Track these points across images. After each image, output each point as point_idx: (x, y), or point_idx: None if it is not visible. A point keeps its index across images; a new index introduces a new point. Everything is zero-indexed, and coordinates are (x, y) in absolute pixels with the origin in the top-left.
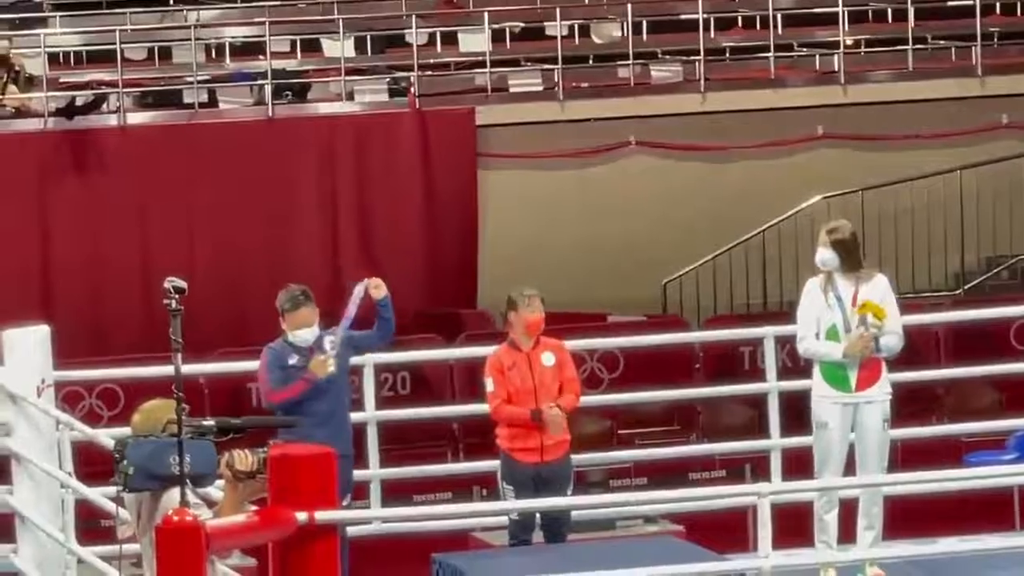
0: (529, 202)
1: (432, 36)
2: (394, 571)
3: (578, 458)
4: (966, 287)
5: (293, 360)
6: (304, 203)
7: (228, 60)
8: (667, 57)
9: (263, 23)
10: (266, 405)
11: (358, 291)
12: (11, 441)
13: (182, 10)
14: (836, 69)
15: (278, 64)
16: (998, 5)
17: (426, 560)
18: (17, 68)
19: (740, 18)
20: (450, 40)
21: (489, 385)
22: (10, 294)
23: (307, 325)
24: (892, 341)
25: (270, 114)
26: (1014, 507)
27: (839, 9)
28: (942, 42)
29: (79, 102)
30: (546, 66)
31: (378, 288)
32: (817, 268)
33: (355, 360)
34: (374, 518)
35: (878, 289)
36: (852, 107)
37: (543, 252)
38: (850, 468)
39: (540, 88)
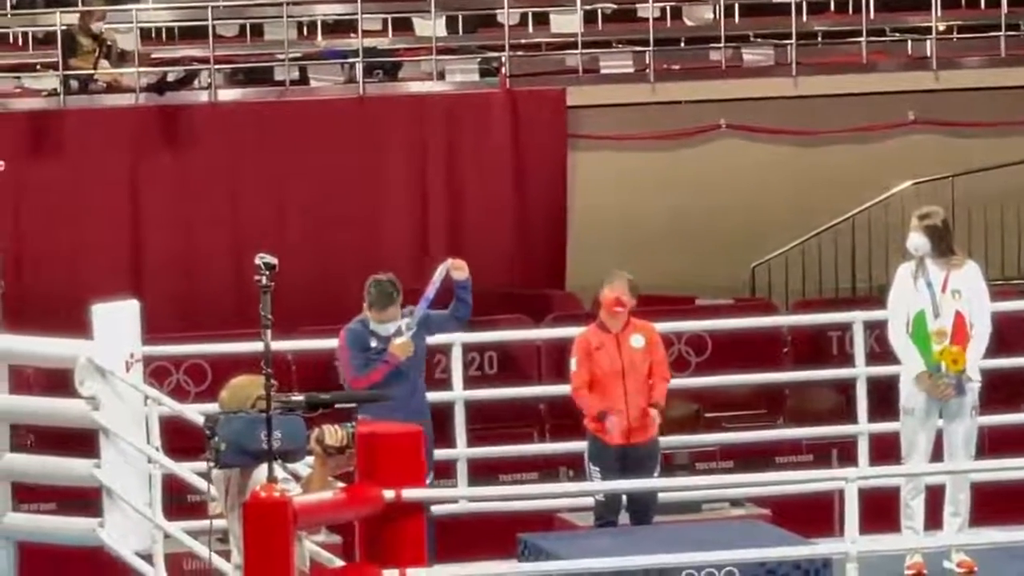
0: (618, 184)
1: (524, 16)
2: (480, 550)
3: (665, 440)
4: None
5: (374, 343)
6: (394, 182)
7: (320, 38)
8: (759, 40)
9: (355, 1)
10: (348, 389)
11: (440, 271)
12: (99, 415)
13: None
14: (928, 55)
15: (369, 43)
16: None
17: (512, 540)
18: (109, 43)
19: (832, 2)
20: (542, 20)
21: (573, 365)
22: (100, 268)
23: (392, 320)
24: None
25: (361, 92)
26: None
27: None
28: None
29: (170, 78)
30: (637, 48)
31: (460, 269)
32: (908, 253)
33: (443, 339)
34: (460, 496)
35: (969, 276)
36: (943, 93)
37: (632, 234)
38: (937, 454)
39: (631, 70)
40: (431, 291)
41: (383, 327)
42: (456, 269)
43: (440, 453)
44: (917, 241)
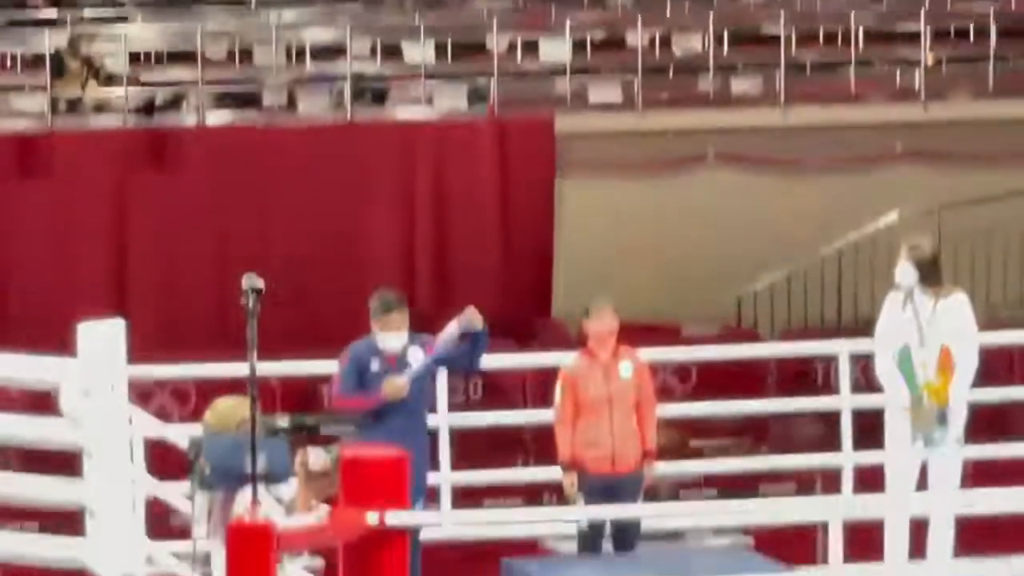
0: (606, 212)
1: (512, 44)
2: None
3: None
4: None
5: (375, 367)
6: (380, 207)
7: (308, 63)
8: (747, 70)
9: (344, 27)
10: (330, 405)
11: (452, 329)
12: (82, 435)
13: (264, 10)
14: (916, 87)
15: (358, 68)
16: None
17: (495, 566)
18: (98, 65)
19: (822, 33)
20: (531, 48)
21: (557, 396)
22: (85, 287)
23: (396, 331)
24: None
25: (348, 118)
26: None
27: (921, 26)
28: None
29: (158, 100)
30: (626, 76)
31: (473, 320)
32: (896, 284)
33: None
34: (445, 522)
35: (956, 308)
36: (932, 125)
37: (619, 262)
38: (922, 485)
39: (619, 99)
40: (441, 348)
41: (388, 340)
42: (472, 322)
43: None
44: (906, 272)
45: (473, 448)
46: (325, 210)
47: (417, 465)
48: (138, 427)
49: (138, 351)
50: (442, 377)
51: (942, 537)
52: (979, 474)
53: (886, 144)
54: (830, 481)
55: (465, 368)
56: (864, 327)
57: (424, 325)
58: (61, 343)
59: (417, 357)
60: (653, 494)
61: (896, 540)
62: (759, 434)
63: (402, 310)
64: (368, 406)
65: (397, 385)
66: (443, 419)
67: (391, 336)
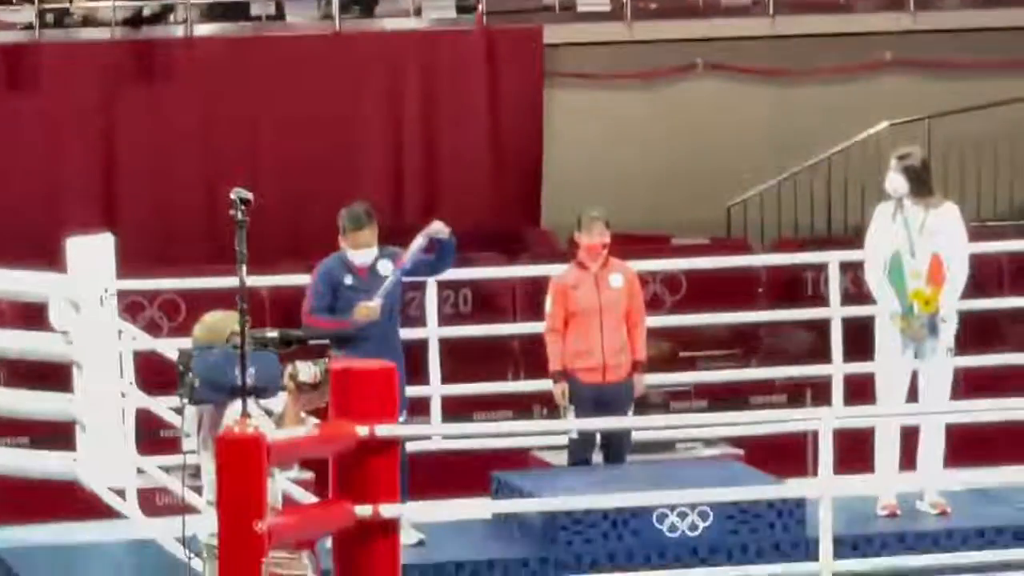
0: (594, 123)
1: None
2: (454, 488)
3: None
4: None
5: (348, 281)
6: (369, 118)
7: None
8: None
9: None
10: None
11: (419, 241)
12: (73, 350)
13: None
14: None
15: None
16: None
17: (486, 478)
18: None
19: None
20: None
21: (548, 306)
22: (75, 202)
23: (367, 246)
24: (951, 301)
25: (337, 28)
26: None
27: None
28: None
29: (146, 12)
30: None
31: (442, 232)
32: (886, 194)
33: (418, 279)
34: (434, 434)
35: (946, 217)
36: (921, 33)
37: (608, 173)
38: (913, 395)
39: (608, 8)
40: (408, 262)
41: (358, 256)
42: (437, 232)
43: (414, 391)
44: (896, 181)
45: (463, 360)
46: (313, 121)
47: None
48: (127, 340)
49: (127, 265)
50: (431, 290)
51: (932, 446)
52: (969, 383)
53: (876, 53)
54: (820, 391)
55: (429, 275)
56: (854, 237)
57: (414, 237)
58: (50, 258)
59: (387, 268)
60: (643, 405)
61: (886, 450)
62: (749, 344)
63: (372, 225)
64: (332, 328)
65: (370, 308)
66: (432, 331)
67: (362, 252)
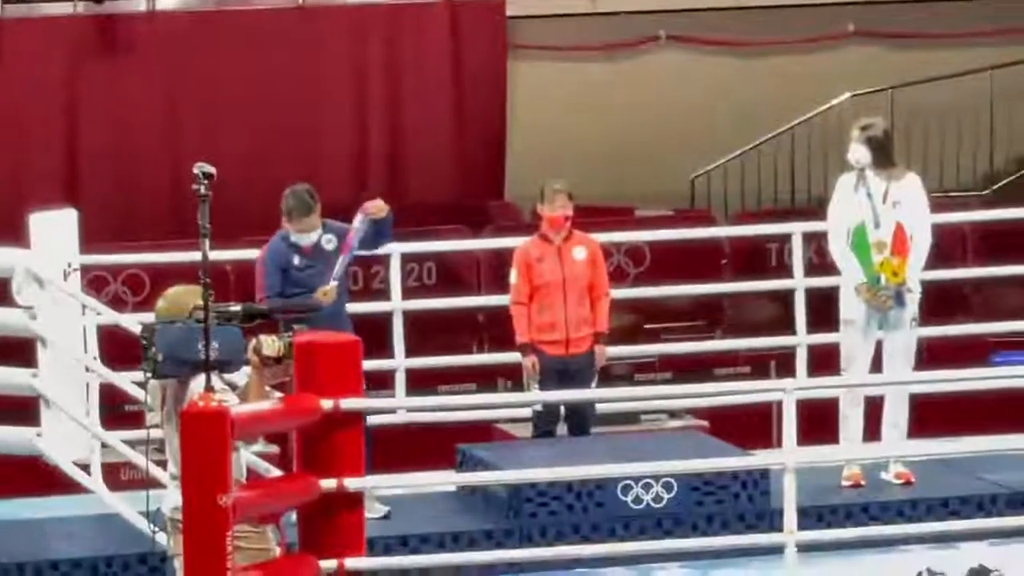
0: (558, 95)
1: None
2: (418, 461)
3: None
4: (995, 187)
5: (296, 261)
6: (332, 91)
7: None
8: None
9: None
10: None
11: (359, 224)
12: (37, 324)
13: None
14: None
15: None
16: None
17: (451, 451)
18: None
19: None
20: None
21: (512, 277)
22: (38, 178)
23: (314, 228)
24: (916, 271)
25: (300, 1)
26: None
27: None
28: None
29: None
30: None
31: (380, 211)
32: (848, 165)
33: (381, 250)
34: (399, 407)
35: (909, 187)
36: (883, 4)
37: (571, 145)
38: (876, 366)
39: None
40: (355, 242)
41: (303, 237)
42: (376, 212)
43: (378, 364)
44: (859, 152)
45: (427, 333)
46: (277, 94)
47: None
48: (91, 315)
49: (91, 240)
50: (395, 263)
51: (896, 417)
52: (932, 354)
53: (838, 24)
54: (784, 363)
55: (371, 249)
56: (818, 208)
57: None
58: (14, 233)
59: (332, 243)
60: (608, 377)
61: (850, 421)
62: (713, 316)
63: (317, 207)
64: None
65: (328, 292)
66: (397, 305)
67: (308, 235)
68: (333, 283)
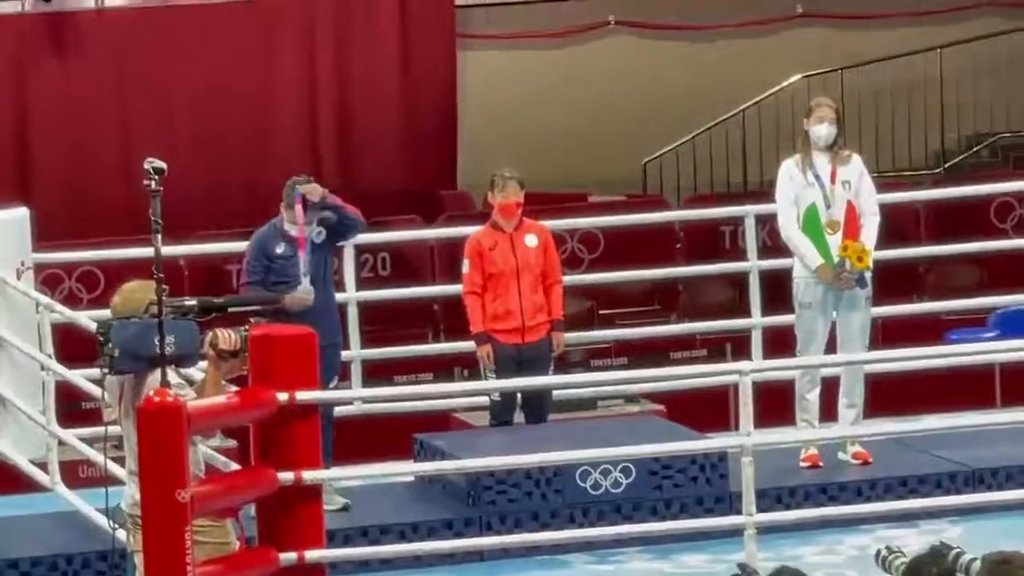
0: (509, 82)
1: None
2: (376, 452)
3: None
4: (946, 165)
5: (280, 249)
6: (283, 83)
7: None
8: None
9: None
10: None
11: (298, 210)
12: None
13: None
14: None
15: None
16: None
17: (408, 441)
18: None
19: None
20: None
21: (465, 267)
22: None
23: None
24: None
25: None
26: (995, 384)
27: None
28: None
29: None
30: None
31: (312, 192)
32: (792, 149)
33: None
34: (356, 398)
35: (856, 167)
36: None
37: (522, 132)
38: (832, 347)
39: None
40: (306, 230)
41: (294, 227)
42: (311, 193)
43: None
44: (826, 130)
45: (382, 323)
46: (228, 87)
47: (332, 345)
48: (46, 313)
49: (44, 237)
50: (349, 254)
51: (852, 397)
52: (886, 333)
53: (787, 6)
54: (740, 345)
55: (345, 238)
56: (770, 190)
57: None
58: None
59: (322, 234)
60: (564, 363)
61: (808, 402)
62: (668, 300)
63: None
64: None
65: (298, 299)
66: (352, 295)
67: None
68: (304, 284)
